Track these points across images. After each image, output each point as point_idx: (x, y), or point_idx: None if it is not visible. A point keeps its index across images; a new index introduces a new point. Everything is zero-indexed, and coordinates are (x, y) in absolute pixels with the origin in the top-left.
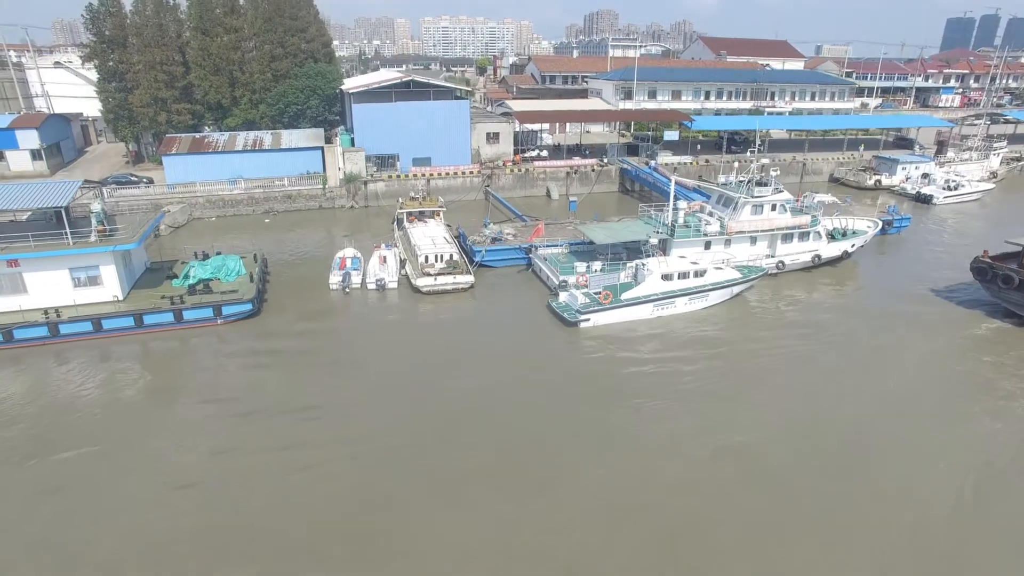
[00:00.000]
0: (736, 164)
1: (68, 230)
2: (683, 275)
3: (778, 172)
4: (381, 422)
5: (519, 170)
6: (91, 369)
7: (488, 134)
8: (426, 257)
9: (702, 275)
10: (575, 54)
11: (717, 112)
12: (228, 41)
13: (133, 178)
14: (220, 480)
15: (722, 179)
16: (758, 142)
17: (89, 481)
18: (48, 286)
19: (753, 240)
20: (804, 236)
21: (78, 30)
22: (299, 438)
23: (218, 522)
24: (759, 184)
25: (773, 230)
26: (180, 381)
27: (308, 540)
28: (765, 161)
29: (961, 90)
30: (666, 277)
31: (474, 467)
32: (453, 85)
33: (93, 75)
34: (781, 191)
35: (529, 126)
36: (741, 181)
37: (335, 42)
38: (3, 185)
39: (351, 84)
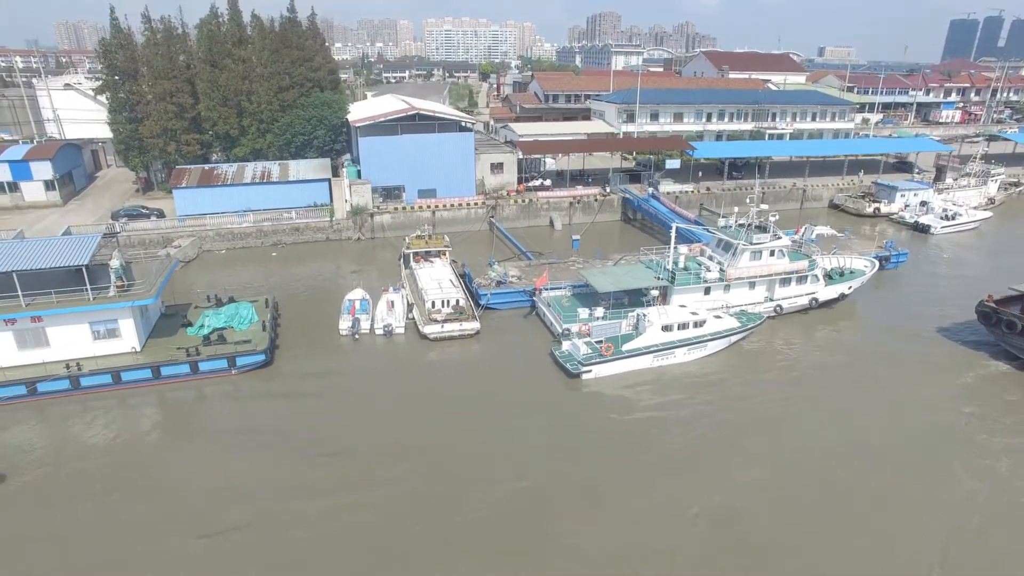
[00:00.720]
0: (736, 209)
1: (88, 286)
2: (683, 326)
3: (777, 217)
4: (385, 475)
5: (523, 200)
6: (111, 420)
7: (492, 164)
8: (433, 303)
9: (701, 325)
10: (578, 59)
11: (719, 134)
12: (236, 71)
13: (144, 211)
14: (237, 531)
15: (722, 222)
16: (758, 187)
17: (108, 529)
18: (69, 339)
19: (752, 285)
20: (802, 279)
21: (83, 32)
22: (309, 486)
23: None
24: (759, 228)
25: (771, 275)
26: (196, 432)
27: None
28: (764, 206)
29: (962, 104)
30: (666, 328)
31: (470, 521)
32: (458, 117)
33: (103, 97)
34: (779, 237)
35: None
36: (741, 225)
37: (337, 44)
38: (25, 241)
39: (357, 114)
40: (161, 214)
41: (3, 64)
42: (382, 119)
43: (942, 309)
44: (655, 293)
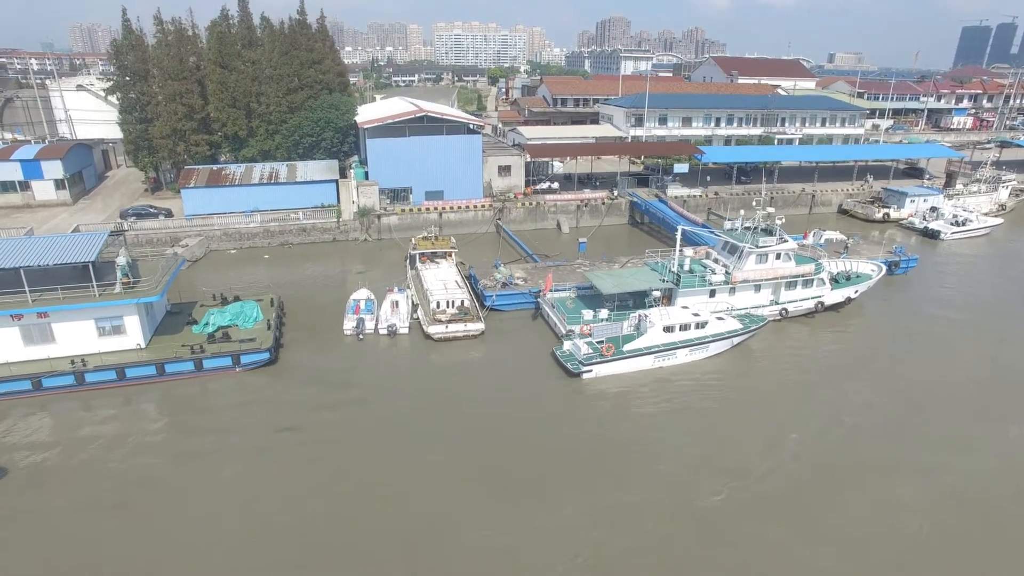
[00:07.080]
0: (742, 212)
1: (95, 282)
2: (684, 327)
3: (783, 220)
4: (382, 477)
5: (530, 204)
6: (115, 416)
7: (500, 167)
8: (438, 303)
9: (703, 326)
10: (587, 64)
11: (728, 139)
12: (246, 73)
13: (152, 210)
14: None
15: (728, 225)
16: (764, 190)
17: (111, 534)
18: (75, 335)
19: (757, 288)
20: (808, 283)
21: (97, 36)
22: (306, 484)
23: None
24: (765, 231)
25: (777, 279)
26: (199, 430)
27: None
28: (771, 210)
29: (974, 111)
30: (668, 329)
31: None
32: (466, 119)
33: (114, 98)
34: (786, 240)
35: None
36: (747, 228)
37: (347, 48)
38: (33, 238)
39: (365, 116)
40: (169, 213)
41: (19, 66)
42: (390, 121)
43: (952, 313)
44: (658, 295)
